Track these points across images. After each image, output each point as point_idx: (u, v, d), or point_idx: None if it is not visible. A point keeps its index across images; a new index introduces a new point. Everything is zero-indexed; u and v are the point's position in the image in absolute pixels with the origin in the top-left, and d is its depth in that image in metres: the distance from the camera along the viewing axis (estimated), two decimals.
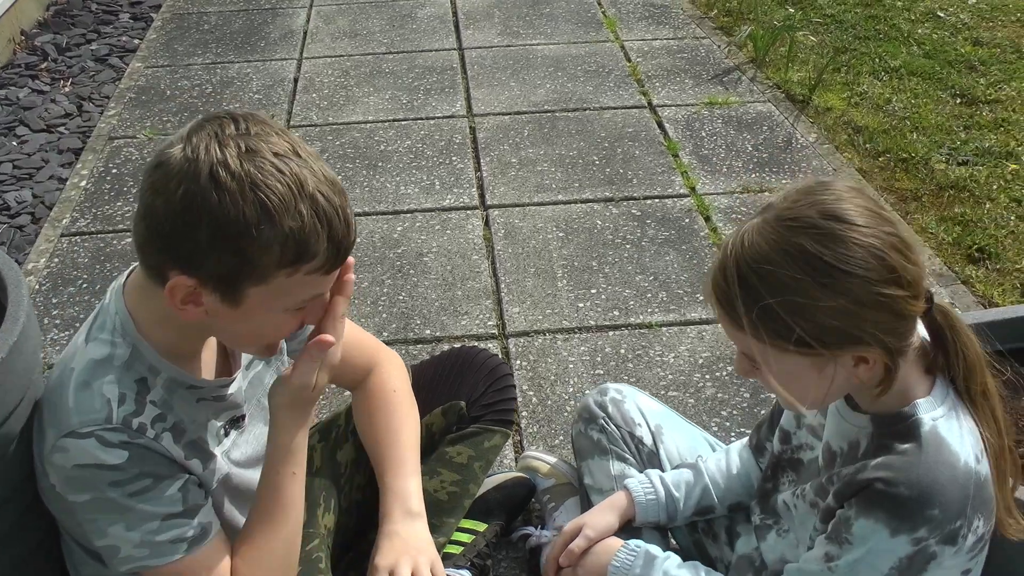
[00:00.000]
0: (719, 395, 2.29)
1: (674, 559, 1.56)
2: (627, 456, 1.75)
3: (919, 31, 4.35)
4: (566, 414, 2.22)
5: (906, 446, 1.24)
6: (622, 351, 2.44)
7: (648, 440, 1.76)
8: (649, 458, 1.75)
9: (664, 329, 2.51)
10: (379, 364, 1.64)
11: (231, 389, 1.35)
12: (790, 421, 1.53)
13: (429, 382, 1.74)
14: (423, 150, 3.39)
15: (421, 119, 3.60)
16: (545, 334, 2.50)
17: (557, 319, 2.55)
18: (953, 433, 1.25)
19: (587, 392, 1.84)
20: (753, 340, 1.21)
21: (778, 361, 1.22)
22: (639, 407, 1.79)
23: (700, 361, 2.40)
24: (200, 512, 1.27)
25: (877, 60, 4.06)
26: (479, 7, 4.61)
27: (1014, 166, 3.25)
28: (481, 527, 1.78)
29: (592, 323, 2.54)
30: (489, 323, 2.54)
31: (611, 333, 2.50)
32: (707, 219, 2.98)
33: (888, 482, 1.22)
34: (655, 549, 1.58)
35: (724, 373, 2.36)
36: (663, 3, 4.70)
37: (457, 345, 2.18)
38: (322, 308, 1.26)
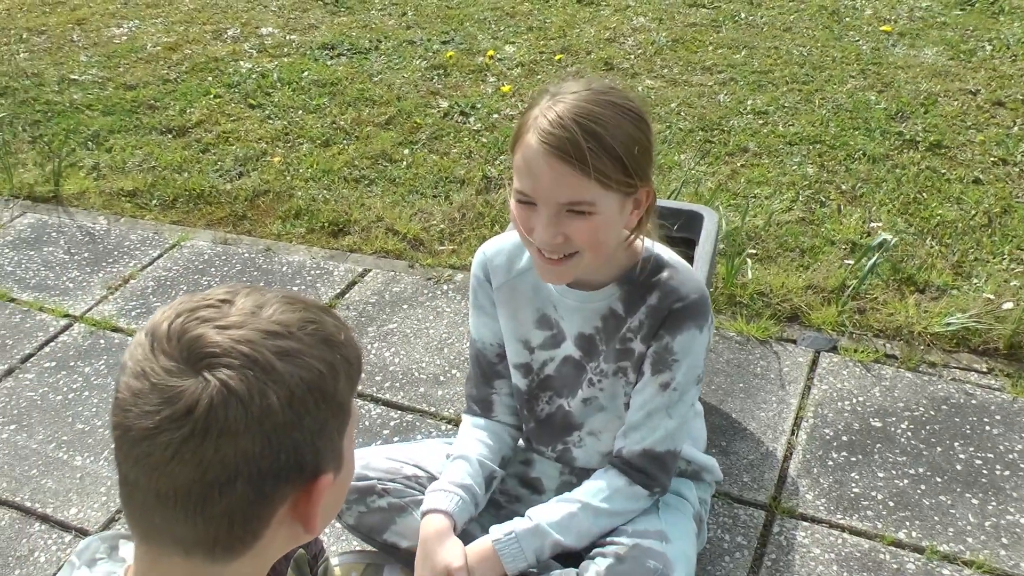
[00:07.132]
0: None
1: (538, 509, 1.69)
2: (420, 497, 1.80)
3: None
4: None
5: (663, 274, 1.63)
6: None
7: (420, 472, 1.84)
8: (431, 483, 1.84)
9: None
10: None
11: None
12: (521, 354, 1.78)
13: None
14: None
15: None
16: None
17: None
18: (673, 254, 1.69)
19: None
20: (595, 183, 1.44)
21: (607, 203, 1.47)
22: (385, 456, 1.86)
23: None
24: None
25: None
26: None
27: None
28: None
29: None
30: None
31: None
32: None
33: (680, 298, 1.61)
34: (517, 519, 1.69)
35: None
36: None
37: None
38: None
